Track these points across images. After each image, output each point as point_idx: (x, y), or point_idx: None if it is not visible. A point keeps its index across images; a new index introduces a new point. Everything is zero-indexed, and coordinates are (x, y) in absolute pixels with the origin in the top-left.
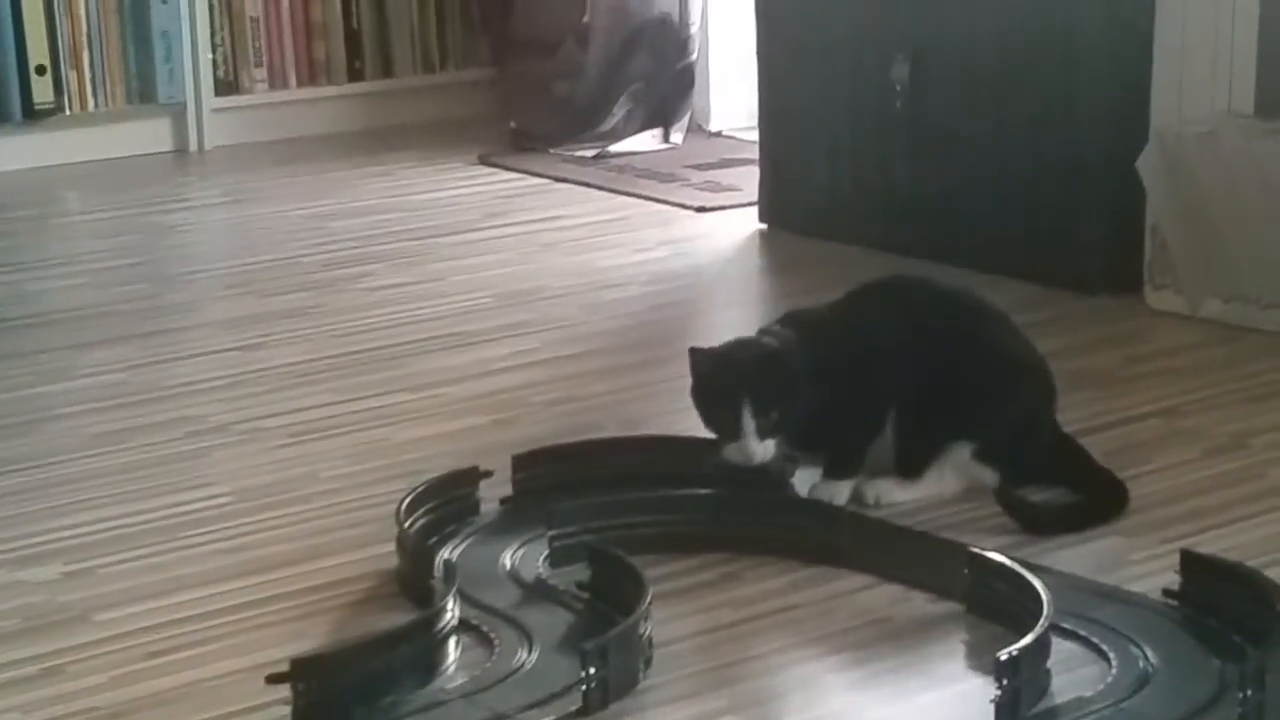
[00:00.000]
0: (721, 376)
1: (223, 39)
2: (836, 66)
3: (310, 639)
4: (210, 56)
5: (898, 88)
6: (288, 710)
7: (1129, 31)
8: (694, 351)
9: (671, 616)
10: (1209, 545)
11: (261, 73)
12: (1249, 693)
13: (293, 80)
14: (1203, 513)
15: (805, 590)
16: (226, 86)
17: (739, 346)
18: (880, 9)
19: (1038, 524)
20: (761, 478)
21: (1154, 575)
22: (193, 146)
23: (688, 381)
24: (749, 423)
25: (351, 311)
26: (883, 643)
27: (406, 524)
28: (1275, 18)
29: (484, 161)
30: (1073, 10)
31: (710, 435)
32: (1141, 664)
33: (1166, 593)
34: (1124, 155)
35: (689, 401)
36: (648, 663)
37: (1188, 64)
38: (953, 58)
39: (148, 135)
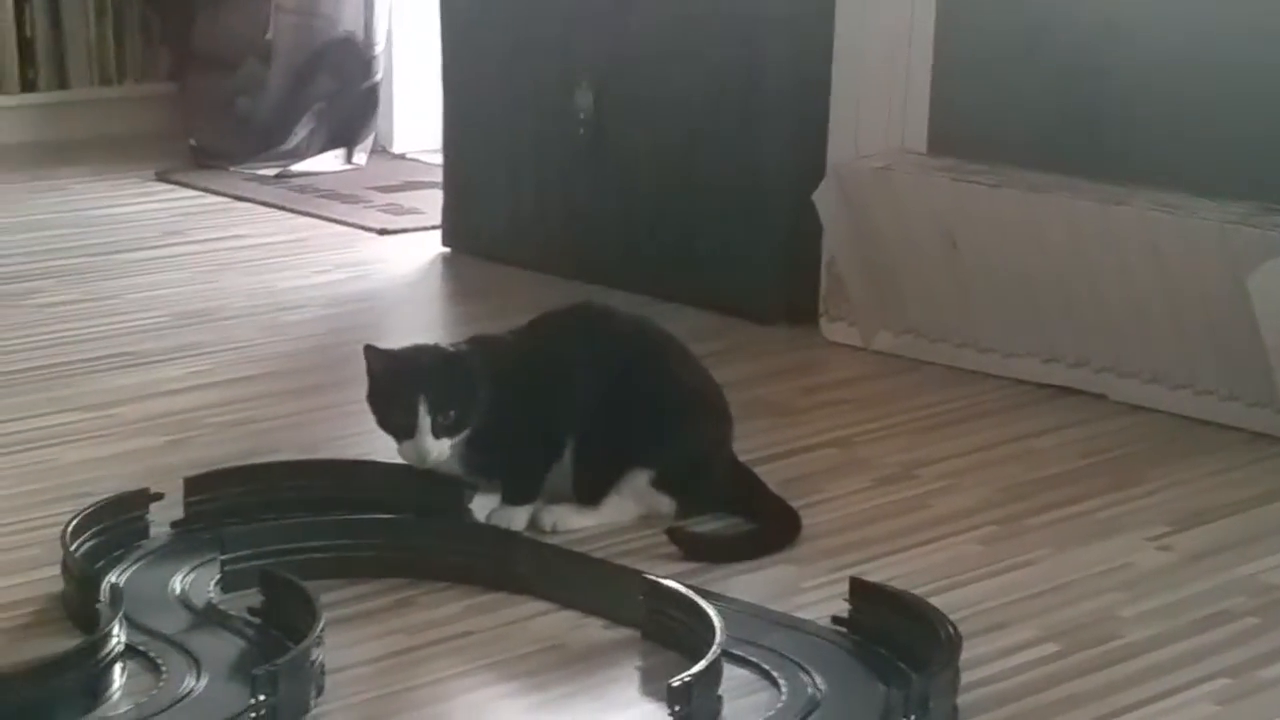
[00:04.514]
0: (398, 374)
1: None
2: (521, 92)
3: None
4: None
5: (581, 115)
6: None
7: (809, 67)
8: (370, 349)
9: (345, 642)
10: (877, 573)
11: None
12: (913, 718)
13: None
14: (872, 541)
15: (481, 616)
16: None
17: (417, 348)
18: (565, 36)
19: (705, 555)
20: (440, 501)
21: (824, 603)
22: None
23: (365, 406)
24: (424, 420)
25: (16, 329)
26: (558, 669)
27: (73, 547)
28: (948, 58)
29: (162, 178)
30: (755, 44)
31: (393, 457)
32: (810, 690)
33: (836, 620)
34: (802, 188)
35: (367, 426)
36: (319, 689)
37: (864, 101)
38: (636, 87)
39: None
